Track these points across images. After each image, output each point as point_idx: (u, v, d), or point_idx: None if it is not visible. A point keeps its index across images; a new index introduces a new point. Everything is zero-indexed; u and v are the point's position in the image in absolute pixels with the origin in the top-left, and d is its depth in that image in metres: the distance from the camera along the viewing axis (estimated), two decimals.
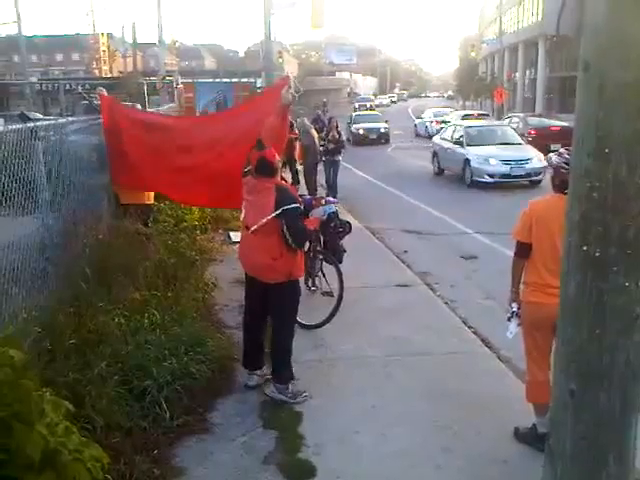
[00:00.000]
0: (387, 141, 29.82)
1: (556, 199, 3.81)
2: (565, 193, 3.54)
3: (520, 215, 4.02)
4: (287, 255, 4.65)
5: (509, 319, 4.09)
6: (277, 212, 4.52)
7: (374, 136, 29.44)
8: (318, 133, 14.74)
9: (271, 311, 4.84)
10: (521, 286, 4.05)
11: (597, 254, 2.34)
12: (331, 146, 14.10)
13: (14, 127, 4.42)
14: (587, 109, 2.36)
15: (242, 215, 4.86)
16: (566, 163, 3.76)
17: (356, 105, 49.74)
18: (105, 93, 7.49)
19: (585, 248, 2.38)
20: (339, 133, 14.48)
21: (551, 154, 4.17)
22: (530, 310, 3.90)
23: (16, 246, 4.34)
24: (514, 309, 4.06)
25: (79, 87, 20.17)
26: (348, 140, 22.47)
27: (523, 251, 3.97)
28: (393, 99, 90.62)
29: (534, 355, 3.96)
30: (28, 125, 4.54)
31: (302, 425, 4.31)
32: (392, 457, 3.93)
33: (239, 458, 3.95)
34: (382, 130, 30.07)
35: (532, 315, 3.88)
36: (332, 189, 14.01)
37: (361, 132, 29.54)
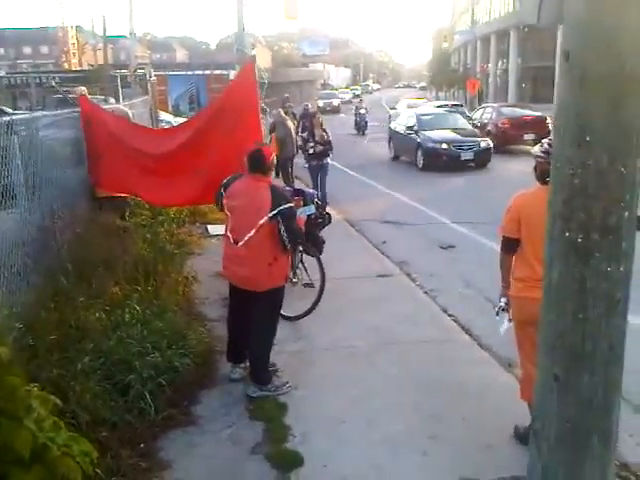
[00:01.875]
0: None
1: (540, 191, 3.73)
2: (548, 183, 3.62)
3: (505, 210, 3.92)
4: (281, 258, 4.58)
5: (497, 314, 4.02)
6: (274, 212, 4.39)
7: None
8: (305, 131, 12.76)
9: (255, 316, 4.66)
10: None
11: (579, 240, 2.39)
12: (318, 148, 11.80)
13: None
14: (568, 98, 2.40)
15: (227, 228, 4.64)
16: (544, 152, 3.76)
17: (320, 103, 47.06)
18: (86, 93, 7.42)
19: (568, 234, 2.43)
20: (326, 132, 12.06)
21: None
22: (524, 306, 3.75)
23: None
24: (501, 304, 3.99)
25: (52, 81, 19.85)
26: None
27: (510, 247, 3.89)
28: (356, 92, 73.01)
29: (528, 352, 3.79)
30: (4, 119, 4.47)
31: (288, 415, 4.33)
32: (379, 445, 3.97)
33: (226, 449, 3.96)
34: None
35: (526, 311, 3.71)
36: (321, 198, 12.14)
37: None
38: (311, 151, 11.80)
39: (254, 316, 4.66)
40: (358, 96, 74.71)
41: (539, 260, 3.67)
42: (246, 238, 4.44)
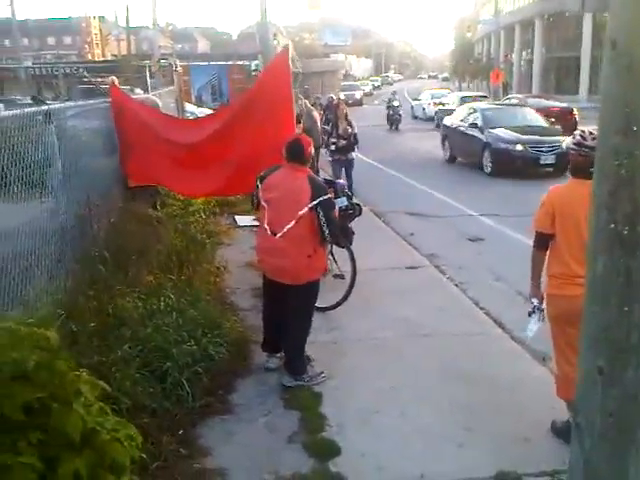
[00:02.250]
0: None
1: (575, 185, 3.68)
2: (583, 177, 3.58)
3: (540, 204, 3.81)
4: (319, 250, 4.55)
5: (530, 314, 3.91)
6: (314, 203, 4.35)
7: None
8: (328, 124, 12.07)
9: (291, 308, 4.67)
10: (543, 279, 3.88)
11: (625, 232, 2.36)
12: (342, 142, 10.88)
13: (30, 110, 4.40)
14: (614, 87, 2.36)
15: (264, 220, 4.57)
16: (577, 144, 3.68)
17: (341, 95, 45.75)
18: (117, 82, 7.48)
19: (613, 226, 2.39)
20: (351, 124, 11.10)
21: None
22: (561, 303, 3.66)
23: (36, 229, 4.35)
24: (535, 304, 3.89)
25: (84, 71, 20.02)
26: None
27: (544, 242, 3.79)
28: (376, 83, 74.25)
29: (565, 351, 3.73)
30: (43, 108, 4.51)
31: (323, 405, 4.35)
32: (414, 436, 3.98)
33: (263, 438, 3.99)
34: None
35: (563, 309, 3.63)
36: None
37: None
38: (333, 147, 10.99)
39: (290, 308, 4.67)
40: (378, 87, 72.72)
41: (573, 256, 3.61)
42: (285, 230, 4.39)
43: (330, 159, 11.39)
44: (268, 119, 5.85)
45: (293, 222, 4.37)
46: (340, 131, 10.90)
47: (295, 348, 4.72)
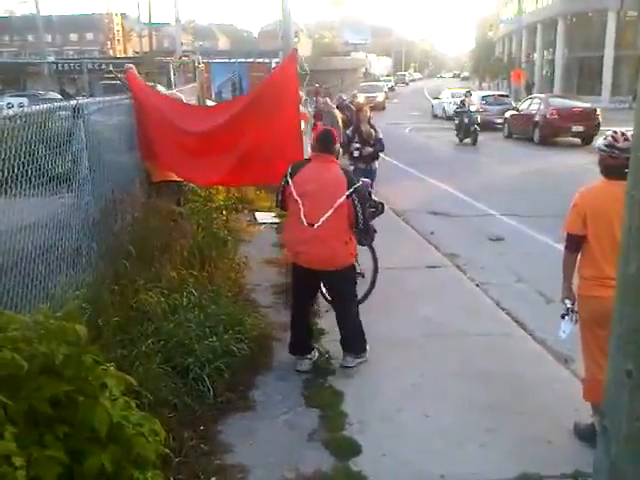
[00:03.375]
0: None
1: (607, 185, 3.63)
2: (616, 178, 3.54)
3: (571, 206, 3.77)
4: (352, 237, 4.73)
5: (563, 316, 3.87)
6: (350, 190, 4.50)
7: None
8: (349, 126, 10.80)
9: (338, 296, 4.98)
10: (574, 280, 3.84)
11: None
12: (366, 150, 9.35)
13: (60, 104, 4.44)
14: None
15: (299, 213, 4.59)
16: (608, 146, 3.64)
17: (360, 98, 43.27)
18: (134, 69, 7.48)
19: None
20: (375, 128, 9.48)
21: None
22: (592, 305, 3.63)
23: (62, 224, 4.39)
24: (568, 305, 3.84)
25: (110, 66, 20.15)
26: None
27: (575, 244, 3.75)
28: (389, 84, 62.36)
29: (594, 353, 3.69)
30: (72, 102, 4.55)
31: (344, 403, 4.34)
32: (436, 436, 3.96)
33: (284, 435, 4.00)
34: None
35: (594, 310, 3.60)
36: None
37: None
38: (356, 153, 9.37)
39: (337, 295, 5.01)
40: (392, 89, 61.25)
41: (605, 258, 3.57)
42: (323, 219, 4.51)
43: (352, 167, 9.31)
44: (275, 117, 5.91)
45: (331, 210, 4.50)
46: (364, 136, 9.35)
47: (355, 327, 4.90)
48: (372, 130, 9.37)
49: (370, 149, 9.33)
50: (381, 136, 9.49)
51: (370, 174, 9.21)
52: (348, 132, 9.77)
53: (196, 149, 6.52)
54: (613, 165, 3.59)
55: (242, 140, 6.01)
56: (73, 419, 2.60)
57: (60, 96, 24.51)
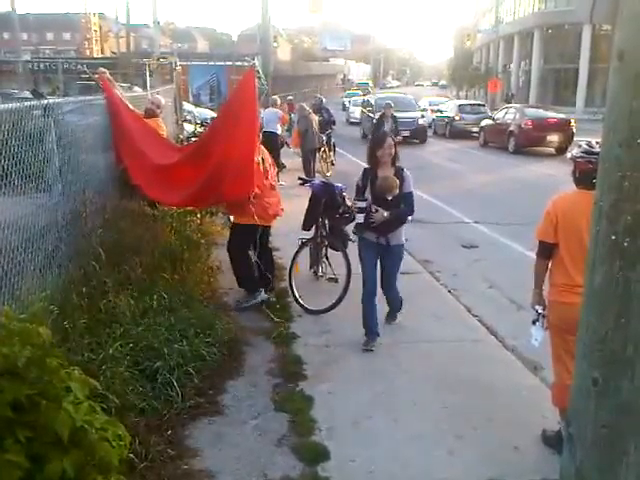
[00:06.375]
0: None
1: (580, 194, 3.68)
2: (586, 187, 3.58)
3: (544, 214, 3.81)
4: None
5: (534, 322, 3.90)
6: None
7: None
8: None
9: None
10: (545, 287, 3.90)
11: (626, 244, 2.36)
12: (384, 216, 5.30)
13: (31, 103, 4.36)
14: (620, 98, 2.35)
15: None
16: (585, 153, 3.68)
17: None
18: (107, 73, 7.40)
19: (614, 237, 2.39)
20: (401, 174, 5.38)
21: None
22: (561, 311, 3.68)
23: (30, 224, 4.31)
24: (539, 311, 3.87)
25: (84, 66, 19.91)
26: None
27: (547, 252, 3.80)
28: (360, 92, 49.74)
29: (563, 358, 3.74)
30: (43, 102, 4.48)
31: (314, 409, 4.32)
32: (405, 442, 3.96)
33: (252, 440, 3.96)
34: None
35: (563, 316, 3.63)
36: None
37: None
38: (361, 219, 5.49)
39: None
40: (369, 103, 59.04)
41: (575, 266, 3.61)
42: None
43: (354, 239, 5.90)
44: (234, 132, 5.98)
45: None
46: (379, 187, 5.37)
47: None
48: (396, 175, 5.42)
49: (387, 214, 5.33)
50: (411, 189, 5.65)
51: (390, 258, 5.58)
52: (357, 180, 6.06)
53: (162, 173, 6.57)
54: (591, 171, 3.62)
55: (207, 167, 6.06)
56: (35, 423, 2.55)
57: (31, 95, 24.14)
